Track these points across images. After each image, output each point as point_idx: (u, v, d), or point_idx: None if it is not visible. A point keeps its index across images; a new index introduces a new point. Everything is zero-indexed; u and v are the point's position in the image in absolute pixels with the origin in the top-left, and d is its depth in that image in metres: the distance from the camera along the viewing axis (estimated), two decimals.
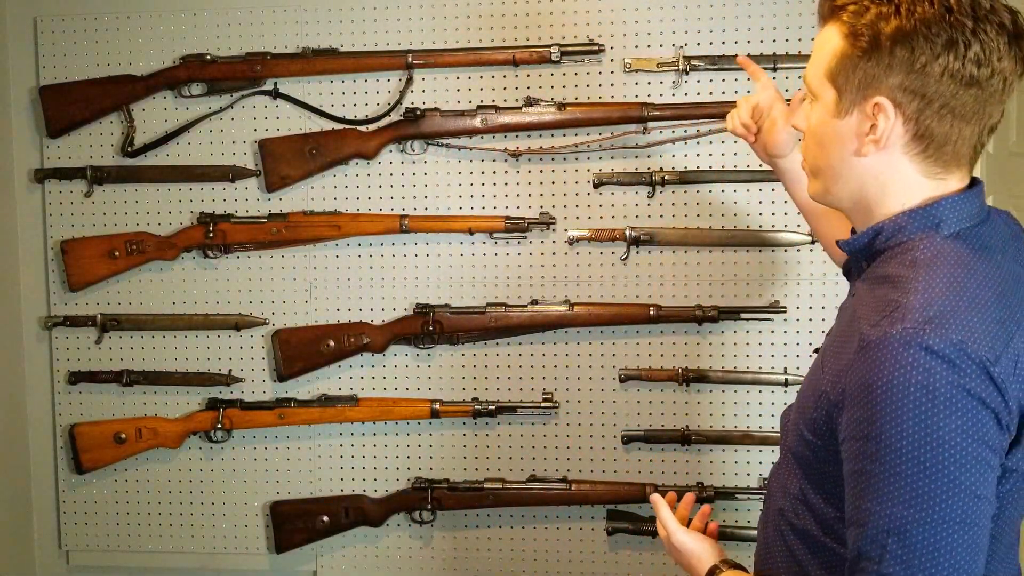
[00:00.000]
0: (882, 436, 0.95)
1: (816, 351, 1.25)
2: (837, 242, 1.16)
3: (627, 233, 2.22)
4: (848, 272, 1.39)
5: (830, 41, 1.07)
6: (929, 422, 0.93)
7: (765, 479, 2.21)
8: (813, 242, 2.16)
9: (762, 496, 2.00)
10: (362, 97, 2.31)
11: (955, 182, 1.08)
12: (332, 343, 2.29)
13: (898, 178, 1.07)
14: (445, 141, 2.27)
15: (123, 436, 2.36)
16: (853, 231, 1.19)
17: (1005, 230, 1.11)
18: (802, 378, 1.47)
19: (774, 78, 2.17)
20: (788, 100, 1.51)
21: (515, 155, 2.26)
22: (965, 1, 1.00)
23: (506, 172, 2.28)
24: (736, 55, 2.16)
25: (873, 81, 1.03)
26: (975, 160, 1.08)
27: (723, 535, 2.22)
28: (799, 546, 1.15)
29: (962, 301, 0.98)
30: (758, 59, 2.16)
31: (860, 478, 0.98)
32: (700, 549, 1.28)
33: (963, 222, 1.06)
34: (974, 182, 1.10)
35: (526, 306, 2.26)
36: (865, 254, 1.12)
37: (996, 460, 0.96)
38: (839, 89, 1.06)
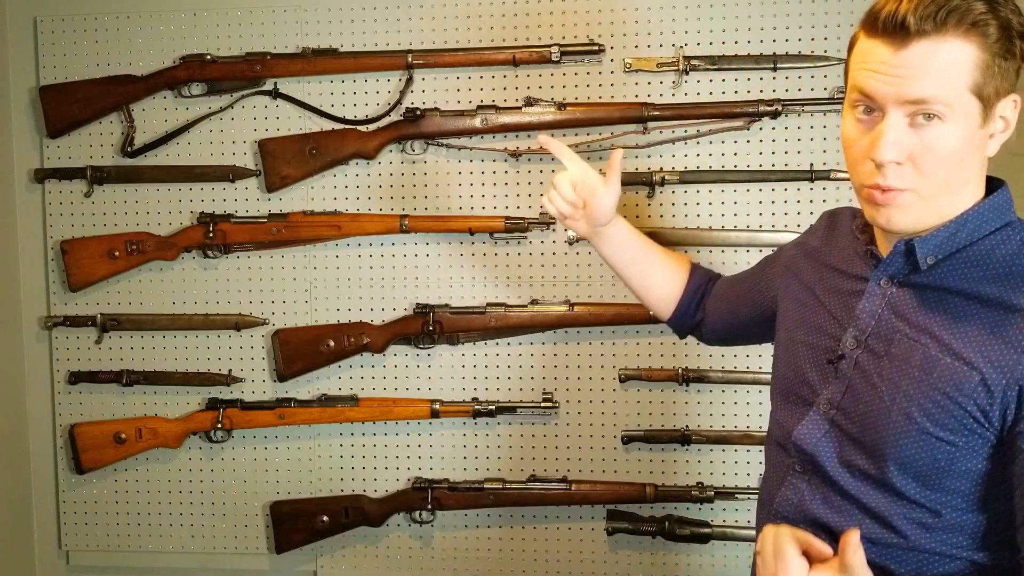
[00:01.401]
0: None
1: (831, 361, 1.18)
2: (913, 241, 1.11)
3: None
4: (680, 328, 1.53)
5: (963, 54, 1.03)
6: None
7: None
8: None
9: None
10: (362, 97, 2.31)
11: None
12: (332, 343, 2.29)
13: (983, 166, 1.12)
14: (445, 141, 2.27)
15: (123, 436, 2.36)
16: (870, 241, 1.20)
17: None
18: None
19: (774, 78, 2.17)
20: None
21: (515, 155, 2.26)
22: None
23: (506, 172, 2.28)
24: (735, 54, 2.17)
25: (1008, 82, 1.06)
26: None
27: (722, 535, 2.22)
28: (896, 566, 1.12)
29: None
30: (758, 59, 2.16)
31: None
32: None
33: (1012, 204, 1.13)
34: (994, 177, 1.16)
35: (526, 306, 2.26)
36: (938, 251, 1.11)
37: None
38: (985, 99, 1.05)
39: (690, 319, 1.62)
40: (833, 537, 1.13)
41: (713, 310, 1.58)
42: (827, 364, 1.20)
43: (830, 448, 1.17)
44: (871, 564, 1.03)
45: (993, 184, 1.14)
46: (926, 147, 1.05)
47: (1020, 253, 1.08)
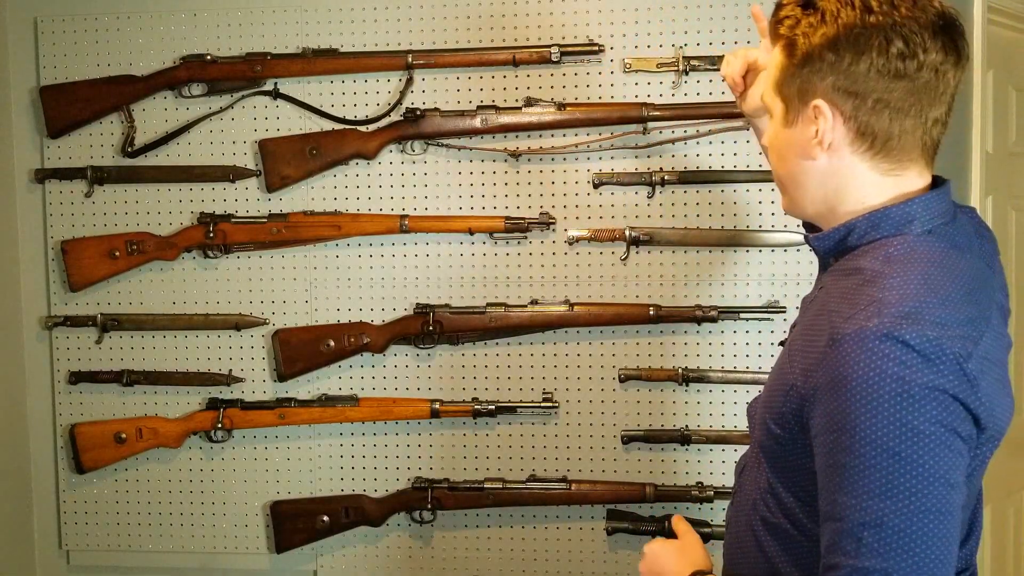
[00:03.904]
0: (857, 428, 0.96)
1: (781, 344, 1.26)
2: (805, 238, 1.19)
3: (627, 233, 2.22)
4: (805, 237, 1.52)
5: (775, 57, 1.14)
6: (904, 413, 0.94)
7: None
8: None
9: None
10: (362, 97, 2.31)
11: (914, 176, 1.10)
12: (332, 343, 2.29)
13: (853, 177, 1.10)
14: (445, 141, 2.27)
15: (123, 436, 2.36)
16: (814, 228, 1.22)
17: (970, 228, 1.14)
18: None
19: None
20: None
21: (515, 155, 2.26)
22: (885, 1, 1.05)
23: (506, 172, 2.28)
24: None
25: (809, 87, 1.09)
26: (931, 155, 1.11)
27: (721, 535, 2.21)
28: (770, 541, 1.16)
29: (936, 298, 1.00)
30: None
31: (834, 472, 0.99)
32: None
33: (934, 220, 1.09)
34: (942, 181, 1.13)
35: (526, 306, 2.26)
36: (834, 251, 1.14)
37: (967, 450, 0.98)
38: (785, 100, 1.12)
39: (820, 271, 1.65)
40: (745, 506, 1.22)
41: None
42: (779, 345, 1.29)
43: (760, 423, 1.23)
44: (757, 537, 1.17)
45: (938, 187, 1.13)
46: (768, 141, 1.19)
47: (872, 274, 1.04)
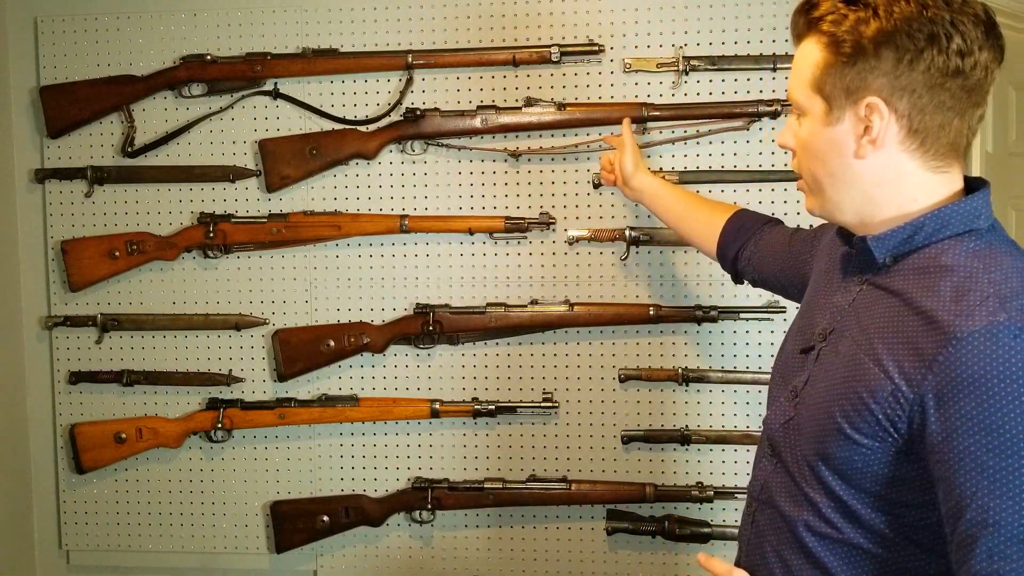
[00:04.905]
0: (1007, 427, 0.92)
1: (804, 351, 1.22)
2: (867, 238, 1.13)
3: (627, 233, 2.22)
4: (724, 267, 1.69)
5: (811, 54, 1.10)
6: None
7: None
8: None
9: None
10: (362, 97, 2.31)
11: (957, 174, 1.10)
12: (332, 343, 2.29)
13: (901, 175, 1.08)
14: (445, 141, 2.27)
15: (123, 436, 2.36)
16: (842, 231, 1.19)
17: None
18: None
19: (774, 78, 2.17)
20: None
21: (515, 155, 2.26)
22: None
23: (506, 172, 2.28)
24: (735, 54, 2.18)
25: (862, 84, 1.05)
26: (967, 153, 1.10)
27: (721, 535, 2.22)
28: (832, 559, 1.13)
29: None
30: (758, 59, 2.17)
31: (981, 475, 0.94)
32: None
33: (991, 216, 1.09)
34: (982, 180, 1.12)
35: (526, 306, 2.26)
36: (893, 251, 1.11)
37: None
38: (827, 98, 1.09)
39: (728, 261, 1.70)
40: (788, 525, 1.17)
41: (759, 258, 1.63)
42: (800, 353, 1.23)
43: (789, 436, 1.20)
44: (814, 555, 1.13)
45: (975, 186, 1.12)
46: (798, 141, 1.15)
47: (967, 269, 1.03)
